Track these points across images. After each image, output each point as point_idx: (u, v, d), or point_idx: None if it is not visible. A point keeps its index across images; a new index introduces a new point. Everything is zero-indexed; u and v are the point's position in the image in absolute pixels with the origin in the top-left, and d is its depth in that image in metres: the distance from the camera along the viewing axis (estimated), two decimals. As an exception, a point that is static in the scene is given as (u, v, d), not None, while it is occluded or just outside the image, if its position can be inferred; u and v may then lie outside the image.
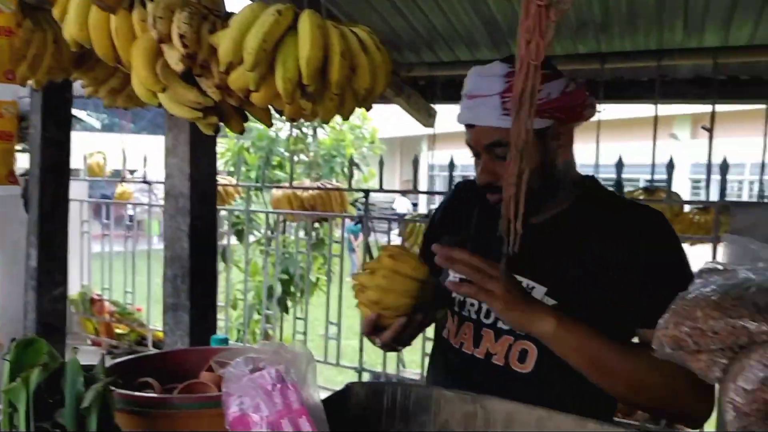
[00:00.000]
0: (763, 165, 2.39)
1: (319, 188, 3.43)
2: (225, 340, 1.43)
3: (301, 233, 5.91)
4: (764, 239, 1.89)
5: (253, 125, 6.39)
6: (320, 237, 5.72)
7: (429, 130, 3.20)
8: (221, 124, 1.17)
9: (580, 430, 0.95)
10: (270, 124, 1.22)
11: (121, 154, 3.66)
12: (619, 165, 2.32)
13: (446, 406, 1.07)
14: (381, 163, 2.77)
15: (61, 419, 0.78)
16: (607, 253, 1.12)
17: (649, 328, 1.02)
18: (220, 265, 4.57)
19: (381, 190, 2.81)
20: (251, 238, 4.99)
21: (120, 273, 3.99)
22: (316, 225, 3.82)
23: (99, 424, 0.77)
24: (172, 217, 1.61)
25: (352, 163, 2.90)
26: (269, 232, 3.57)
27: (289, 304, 5.13)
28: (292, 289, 5.28)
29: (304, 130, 6.20)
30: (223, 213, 3.54)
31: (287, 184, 3.41)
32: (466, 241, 1.24)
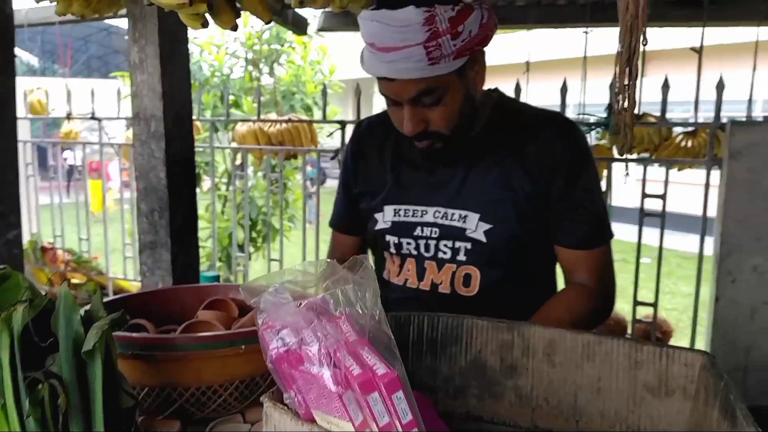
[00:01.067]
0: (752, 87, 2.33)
1: (290, 120, 3.20)
2: (216, 278, 1.29)
3: (261, 174, 5.70)
4: (764, 160, 1.86)
5: (207, 61, 6.01)
6: (283, 181, 5.52)
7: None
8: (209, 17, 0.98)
9: (633, 353, 0.86)
10: (268, 19, 1.04)
11: (61, 93, 3.33)
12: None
13: (479, 335, 0.97)
14: (357, 91, 2.58)
15: (55, 367, 0.63)
16: (523, 169, 1.15)
17: (564, 247, 1.17)
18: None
19: (358, 121, 2.63)
20: (207, 184, 4.74)
21: (72, 223, 3.73)
22: (285, 163, 3.60)
23: (103, 371, 0.62)
24: (143, 144, 1.41)
25: (324, 92, 2.69)
26: (236, 171, 3.34)
27: (252, 250, 4.96)
28: (253, 234, 5.10)
29: (261, 66, 5.87)
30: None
31: (253, 119, 3.17)
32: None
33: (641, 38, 0.90)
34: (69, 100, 3.46)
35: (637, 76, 0.96)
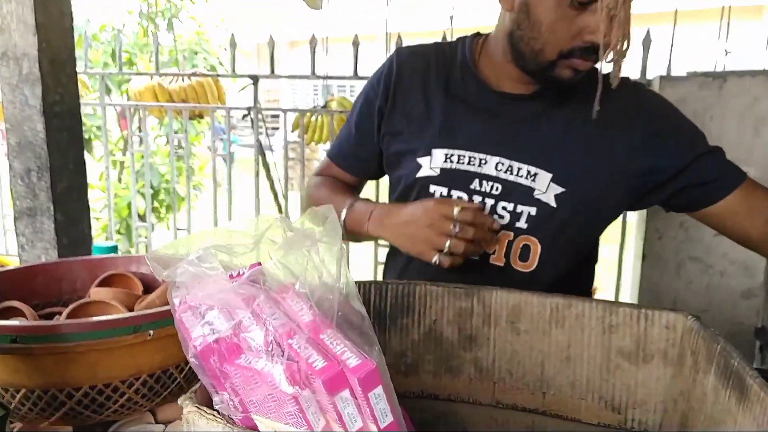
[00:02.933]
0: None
1: (195, 74, 2.89)
2: (114, 249, 1.08)
3: (163, 140, 5.28)
4: (692, 113, 1.87)
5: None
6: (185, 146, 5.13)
7: (288, 37, 2.80)
8: None
9: (606, 316, 0.78)
10: None
11: None
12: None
13: (434, 303, 0.86)
14: (272, 43, 2.35)
15: None
16: (605, 133, 1.00)
17: (730, 192, 0.97)
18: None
19: (273, 75, 2.41)
20: (99, 151, 4.30)
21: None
22: (189, 124, 3.28)
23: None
24: (14, 89, 1.14)
25: (234, 44, 2.44)
26: (134, 134, 2.99)
27: (154, 221, 4.58)
28: (155, 204, 4.72)
29: (158, 21, 5.36)
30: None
31: (152, 72, 2.84)
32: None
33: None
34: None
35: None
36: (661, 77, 1.89)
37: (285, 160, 2.58)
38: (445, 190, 1.02)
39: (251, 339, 0.41)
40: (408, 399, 0.84)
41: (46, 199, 1.17)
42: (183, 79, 2.92)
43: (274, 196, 2.81)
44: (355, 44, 2.29)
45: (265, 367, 0.39)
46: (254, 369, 0.40)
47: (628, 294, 2.14)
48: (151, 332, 0.65)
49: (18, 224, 1.20)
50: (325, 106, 2.64)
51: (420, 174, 1.03)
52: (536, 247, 1.01)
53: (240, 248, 0.45)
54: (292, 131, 2.69)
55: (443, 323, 0.83)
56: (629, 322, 0.76)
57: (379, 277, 1.92)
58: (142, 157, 3.34)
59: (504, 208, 1.00)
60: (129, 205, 4.25)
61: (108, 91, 4.09)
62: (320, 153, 3.44)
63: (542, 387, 0.81)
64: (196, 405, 0.48)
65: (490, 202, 1.01)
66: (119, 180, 4.74)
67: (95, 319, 0.68)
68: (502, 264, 1.02)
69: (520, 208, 1.00)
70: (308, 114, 2.64)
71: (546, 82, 0.99)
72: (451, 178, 1.01)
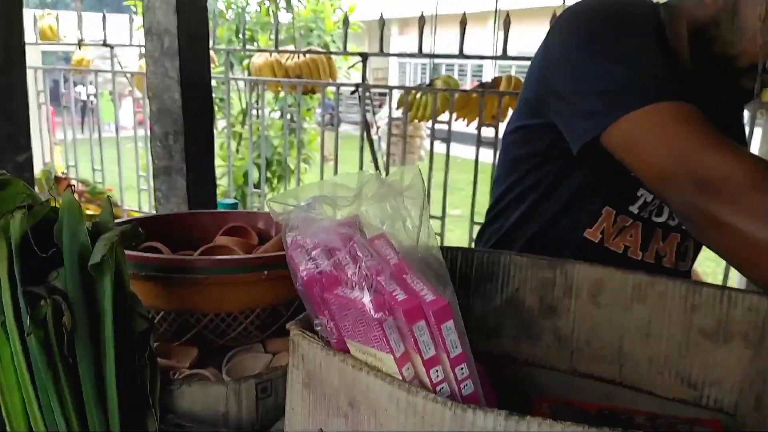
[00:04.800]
0: None
1: (311, 51, 3.06)
2: (236, 205, 1.22)
3: (277, 115, 5.57)
4: None
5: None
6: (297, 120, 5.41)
7: (399, 13, 2.83)
8: None
9: (690, 296, 0.79)
10: None
11: (73, 22, 3.20)
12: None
13: (517, 272, 0.90)
14: (381, 21, 2.44)
15: (59, 282, 0.56)
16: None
17: None
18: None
19: (381, 53, 2.50)
20: (221, 123, 4.63)
21: (86, 156, 3.67)
22: (302, 98, 3.47)
23: (113, 288, 0.56)
24: (156, 61, 1.31)
25: (346, 22, 2.55)
26: (252, 107, 3.22)
27: (266, 191, 4.89)
28: (268, 175, 5.02)
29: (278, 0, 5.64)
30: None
31: (271, 49, 3.03)
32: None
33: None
34: (80, 26, 3.34)
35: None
36: None
37: (388, 136, 2.67)
38: (650, 197, 0.98)
39: (347, 273, 0.49)
40: (488, 360, 0.89)
41: (180, 160, 1.33)
42: (299, 56, 3.09)
43: (377, 170, 2.92)
44: (463, 23, 2.32)
45: (357, 297, 0.47)
46: (348, 298, 0.48)
47: (737, 281, 2.03)
48: (266, 273, 0.76)
49: (156, 181, 1.39)
50: (430, 84, 2.70)
51: None
52: (691, 247, 1.03)
53: (342, 200, 0.53)
54: (397, 108, 2.77)
55: (525, 291, 0.88)
56: (712, 302, 0.77)
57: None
58: (258, 129, 3.58)
59: None
60: (245, 174, 4.56)
61: (231, 66, 4.40)
62: (423, 131, 3.49)
63: (619, 359, 0.84)
64: (300, 328, 0.58)
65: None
66: (236, 150, 5.10)
67: (222, 257, 0.81)
68: (672, 267, 1.03)
69: None
70: (413, 92, 2.70)
71: (720, 86, 0.92)
72: None
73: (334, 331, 0.53)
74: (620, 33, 0.89)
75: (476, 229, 2.67)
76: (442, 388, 0.49)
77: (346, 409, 0.54)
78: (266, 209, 0.77)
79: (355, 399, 0.53)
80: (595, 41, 0.88)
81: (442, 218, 2.67)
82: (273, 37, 2.84)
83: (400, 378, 0.49)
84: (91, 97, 4.17)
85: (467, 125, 2.70)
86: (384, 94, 2.83)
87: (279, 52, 2.89)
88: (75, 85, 3.80)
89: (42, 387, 0.55)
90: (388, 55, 2.59)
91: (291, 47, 3.21)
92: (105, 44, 3.23)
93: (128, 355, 0.59)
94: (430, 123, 2.82)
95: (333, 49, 5.51)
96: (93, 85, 3.72)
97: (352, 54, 2.60)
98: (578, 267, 0.84)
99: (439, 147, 2.82)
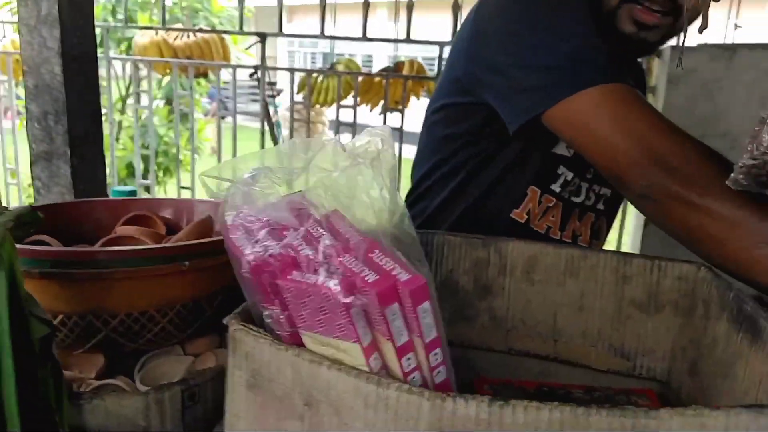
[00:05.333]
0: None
1: (203, 30, 2.86)
2: (134, 192, 1.09)
3: (161, 103, 5.22)
4: (700, 85, 1.88)
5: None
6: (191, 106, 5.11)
7: (287, 1, 2.76)
8: None
9: (620, 267, 0.81)
10: None
11: None
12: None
13: (451, 253, 0.88)
14: (280, 1, 2.32)
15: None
16: None
17: None
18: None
19: (281, 33, 2.39)
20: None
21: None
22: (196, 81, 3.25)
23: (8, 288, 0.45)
24: (32, 30, 1.14)
25: (242, 1, 2.40)
26: (136, 91, 2.96)
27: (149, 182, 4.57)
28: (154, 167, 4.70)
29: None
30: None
31: (158, 27, 2.80)
32: None
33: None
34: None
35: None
36: (672, 47, 1.89)
37: (291, 122, 2.58)
38: (570, 175, 0.99)
39: (305, 255, 0.43)
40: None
41: (63, 143, 1.17)
42: (188, 36, 2.89)
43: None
44: (366, 5, 2.27)
45: (319, 280, 0.41)
46: (308, 282, 0.42)
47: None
48: (187, 263, 0.67)
49: (34, 168, 1.21)
50: (331, 68, 2.63)
51: (557, 149, 0.97)
52: (604, 227, 1.06)
53: (290, 172, 0.46)
54: (298, 92, 2.68)
55: (459, 272, 0.85)
56: (642, 272, 0.78)
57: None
58: (141, 116, 3.32)
59: (592, 191, 1.02)
60: (128, 165, 4.24)
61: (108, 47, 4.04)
62: (325, 116, 3.42)
63: (554, 335, 0.84)
64: (242, 323, 0.51)
65: (584, 185, 1.01)
66: (117, 140, 4.72)
67: (135, 247, 0.70)
68: (587, 245, 1.04)
69: (603, 190, 1.03)
70: (314, 75, 2.63)
71: (613, 43, 0.89)
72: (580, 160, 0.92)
73: (286, 322, 0.46)
74: (560, 5, 0.87)
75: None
76: (414, 378, 0.45)
77: (302, 410, 0.48)
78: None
79: (313, 397, 0.47)
80: (535, 14, 0.86)
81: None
82: (156, 16, 2.63)
83: (368, 369, 0.44)
84: None
85: (370, 110, 2.67)
86: (273, 83, 2.69)
87: (167, 29, 2.68)
88: None
89: None
90: (290, 36, 2.49)
91: (179, 26, 2.99)
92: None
93: (27, 368, 0.48)
94: (331, 108, 2.76)
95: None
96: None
97: (250, 33, 2.47)
98: (512, 244, 0.83)
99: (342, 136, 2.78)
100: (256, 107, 2.64)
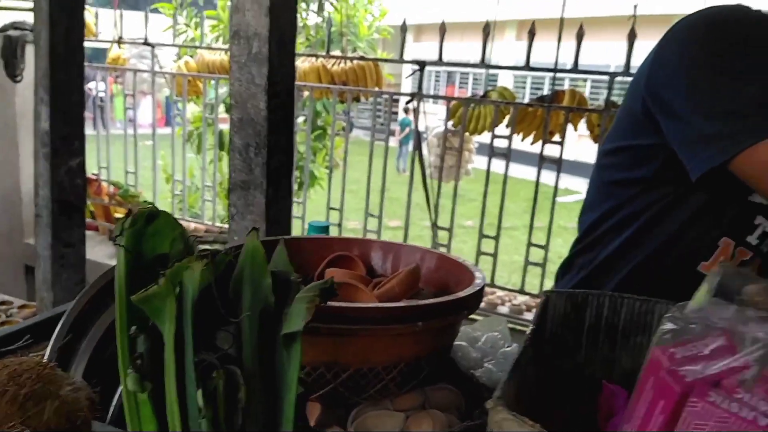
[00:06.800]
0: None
1: (362, 58, 2.96)
2: (326, 228, 1.11)
3: (301, 119, 5.48)
4: None
5: None
6: (321, 125, 5.32)
7: (414, 20, 2.73)
8: None
9: None
10: None
11: (109, 19, 3.13)
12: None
13: (673, 323, 0.78)
14: (443, 28, 2.33)
15: (226, 344, 0.45)
16: None
17: None
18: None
19: (441, 62, 2.40)
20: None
21: (119, 156, 3.58)
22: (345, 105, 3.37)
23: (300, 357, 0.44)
24: (242, 67, 1.21)
25: (404, 29, 2.44)
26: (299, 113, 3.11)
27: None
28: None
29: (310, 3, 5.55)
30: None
31: (321, 54, 2.94)
32: None
33: None
34: (120, 24, 3.26)
35: None
36: None
37: (442, 149, 2.57)
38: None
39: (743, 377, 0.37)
40: None
41: (260, 175, 1.23)
42: (345, 62, 2.99)
43: (425, 188, 2.79)
44: (531, 33, 2.21)
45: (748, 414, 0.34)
46: (734, 414, 0.35)
47: None
48: (420, 324, 0.65)
49: (231, 195, 1.28)
50: (485, 96, 2.59)
51: (753, 197, 0.87)
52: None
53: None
54: (448, 120, 2.67)
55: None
56: None
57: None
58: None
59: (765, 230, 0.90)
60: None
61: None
62: (472, 142, 3.38)
63: None
64: (513, 413, 0.47)
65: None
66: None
67: (376, 305, 0.69)
68: None
69: None
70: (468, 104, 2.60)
71: None
72: None
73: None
74: (745, 48, 0.80)
75: (485, 242, 2.59)
76: None
77: None
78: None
79: None
80: (718, 56, 0.79)
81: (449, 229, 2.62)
82: (301, 39, 2.74)
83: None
84: (101, 94, 4.08)
85: (522, 140, 2.59)
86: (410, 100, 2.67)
87: (328, 57, 2.79)
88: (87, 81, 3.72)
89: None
90: (451, 64, 2.49)
91: (336, 52, 3.11)
92: (146, 43, 3.15)
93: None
94: (479, 137, 2.72)
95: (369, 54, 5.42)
96: (118, 84, 3.65)
97: (409, 62, 2.50)
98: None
99: (482, 162, 2.72)
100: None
